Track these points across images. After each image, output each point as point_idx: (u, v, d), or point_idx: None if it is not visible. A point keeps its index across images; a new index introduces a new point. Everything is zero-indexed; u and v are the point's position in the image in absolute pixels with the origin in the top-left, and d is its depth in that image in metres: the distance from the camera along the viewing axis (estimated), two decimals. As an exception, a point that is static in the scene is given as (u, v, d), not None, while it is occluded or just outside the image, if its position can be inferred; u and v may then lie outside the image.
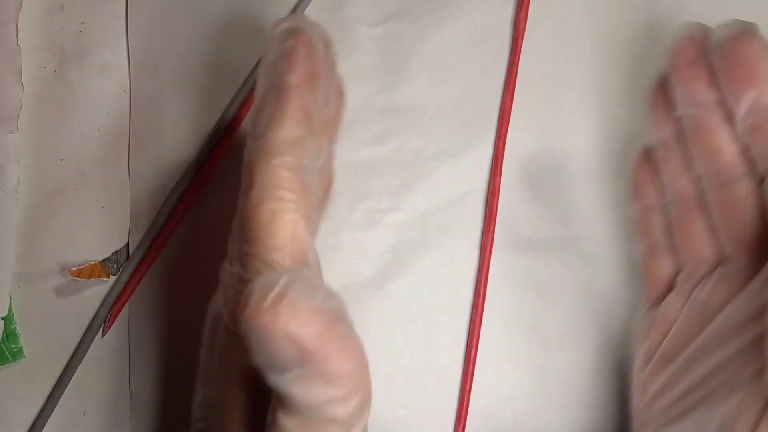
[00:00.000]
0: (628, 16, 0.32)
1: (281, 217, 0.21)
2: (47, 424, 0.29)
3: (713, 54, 0.24)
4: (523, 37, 0.32)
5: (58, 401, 0.30)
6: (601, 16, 0.32)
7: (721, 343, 0.23)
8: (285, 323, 0.17)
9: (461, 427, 0.29)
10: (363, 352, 0.19)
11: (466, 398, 0.29)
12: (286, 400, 0.18)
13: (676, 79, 0.25)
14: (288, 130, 0.22)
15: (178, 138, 0.31)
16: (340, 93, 0.27)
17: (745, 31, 0.23)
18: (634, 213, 0.28)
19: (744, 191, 0.24)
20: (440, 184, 0.31)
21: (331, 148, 0.27)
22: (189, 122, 0.32)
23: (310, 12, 0.33)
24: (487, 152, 0.31)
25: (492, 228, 0.30)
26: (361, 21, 0.32)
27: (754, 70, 0.23)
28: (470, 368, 0.29)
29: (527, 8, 0.32)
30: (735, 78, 0.23)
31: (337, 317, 0.18)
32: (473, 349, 0.30)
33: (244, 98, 0.31)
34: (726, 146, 0.24)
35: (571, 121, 0.32)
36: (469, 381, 0.29)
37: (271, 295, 0.17)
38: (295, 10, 0.32)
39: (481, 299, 0.30)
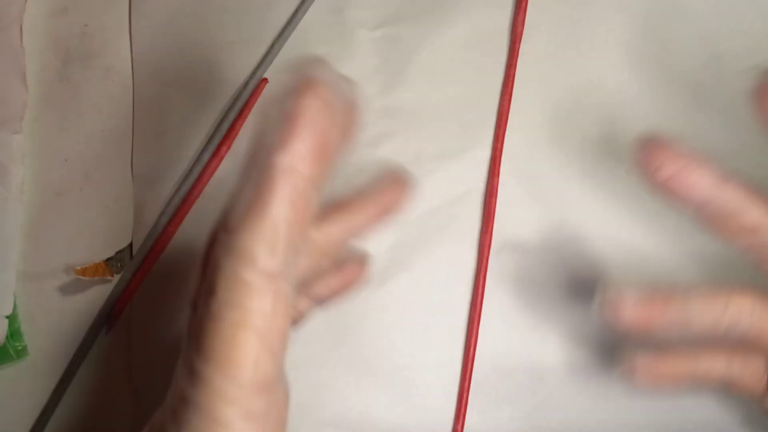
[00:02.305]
0: (625, 18, 0.33)
1: (244, 337, 0.17)
2: (50, 420, 0.30)
3: None
4: (520, 40, 0.32)
5: (61, 398, 0.30)
6: (598, 19, 0.33)
7: None
8: None
9: (460, 425, 0.29)
10: None
11: (464, 396, 0.30)
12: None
13: None
14: (267, 233, 0.17)
15: (180, 138, 0.32)
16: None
17: None
18: None
19: None
20: (439, 184, 0.31)
21: (340, 227, 0.23)
22: (191, 123, 0.32)
23: (311, 15, 0.33)
24: (485, 153, 0.32)
25: (490, 228, 0.31)
26: (362, 24, 0.33)
27: None
28: (469, 367, 0.30)
29: (525, 11, 0.32)
30: None
31: None
32: (471, 348, 0.30)
33: (246, 100, 0.32)
34: None
35: (568, 123, 0.32)
36: (467, 379, 0.30)
37: None
38: (296, 13, 0.33)
39: (479, 298, 0.30)
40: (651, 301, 0.23)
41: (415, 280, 0.31)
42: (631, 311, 0.23)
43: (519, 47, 0.32)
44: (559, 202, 0.31)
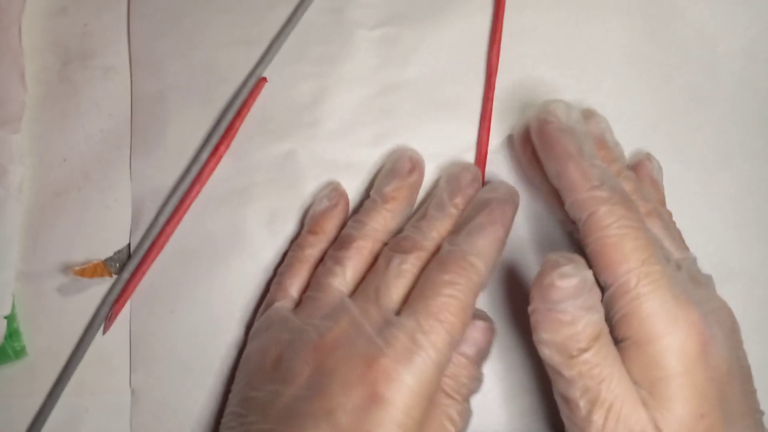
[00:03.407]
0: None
1: None
2: (48, 421, 0.30)
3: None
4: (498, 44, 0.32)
5: (59, 399, 0.30)
6: (597, 20, 0.33)
7: None
8: None
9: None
10: None
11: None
12: None
13: None
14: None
15: (179, 138, 0.32)
16: None
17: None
18: None
19: None
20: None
21: None
22: (190, 123, 0.32)
23: (310, 15, 0.33)
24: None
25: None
26: (361, 24, 0.33)
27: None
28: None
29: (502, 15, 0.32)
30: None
31: None
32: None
33: (245, 99, 0.32)
34: None
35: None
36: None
37: None
38: (295, 13, 0.33)
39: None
40: (524, 143, 0.29)
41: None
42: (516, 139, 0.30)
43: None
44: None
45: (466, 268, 0.25)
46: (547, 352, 0.24)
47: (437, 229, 0.28)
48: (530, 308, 0.24)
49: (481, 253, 0.26)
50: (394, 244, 0.28)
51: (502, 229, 0.27)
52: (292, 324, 0.27)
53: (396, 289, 0.26)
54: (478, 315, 0.28)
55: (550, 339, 0.23)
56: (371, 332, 0.25)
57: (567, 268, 0.23)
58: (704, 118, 0.32)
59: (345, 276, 0.28)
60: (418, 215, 0.29)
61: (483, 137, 0.31)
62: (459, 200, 0.28)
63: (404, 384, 0.23)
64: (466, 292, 0.25)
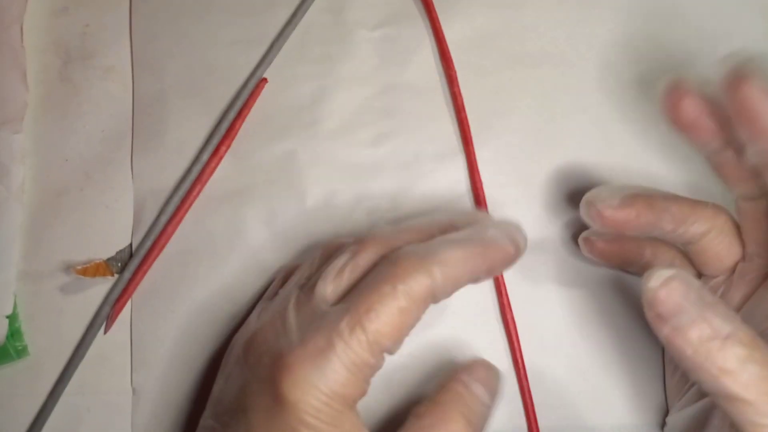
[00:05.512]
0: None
1: None
2: (49, 420, 0.30)
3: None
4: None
5: (60, 398, 0.30)
6: (597, 19, 0.33)
7: None
8: None
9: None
10: None
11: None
12: None
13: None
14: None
15: (180, 138, 0.32)
16: None
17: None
18: None
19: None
20: (438, 185, 0.31)
21: None
22: (191, 123, 0.32)
23: (311, 15, 0.33)
24: (486, 154, 0.32)
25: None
26: (361, 25, 0.33)
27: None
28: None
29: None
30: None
31: None
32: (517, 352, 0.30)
33: (245, 100, 0.32)
34: None
35: (567, 123, 0.32)
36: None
37: None
38: (295, 13, 0.33)
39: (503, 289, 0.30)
40: (632, 205, 0.25)
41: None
42: (613, 213, 0.25)
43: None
44: (557, 200, 0.31)
45: (418, 271, 0.22)
46: None
47: (411, 233, 0.25)
48: None
49: (443, 262, 0.22)
50: (358, 238, 0.25)
51: (481, 257, 0.23)
52: (252, 318, 0.27)
53: (337, 280, 0.24)
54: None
55: None
56: (293, 327, 0.23)
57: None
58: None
59: (314, 267, 0.26)
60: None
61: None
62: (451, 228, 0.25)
63: (311, 385, 0.21)
64: (408, 296, 0.22)
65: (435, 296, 0.22)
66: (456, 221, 0.25)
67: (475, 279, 0.23)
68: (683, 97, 0.24)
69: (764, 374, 0.19)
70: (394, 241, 0.24)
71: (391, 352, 0.23)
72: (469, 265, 0.23)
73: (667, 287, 0.20)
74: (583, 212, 0.26)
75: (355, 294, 0.23)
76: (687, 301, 0.20)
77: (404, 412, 0.25)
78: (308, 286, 0.24)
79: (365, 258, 0.24)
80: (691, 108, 0.24)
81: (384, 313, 0.22)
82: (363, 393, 0.23)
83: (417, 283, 0.22)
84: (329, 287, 0.23)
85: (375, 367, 0.22)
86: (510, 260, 0.24)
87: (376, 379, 0.23)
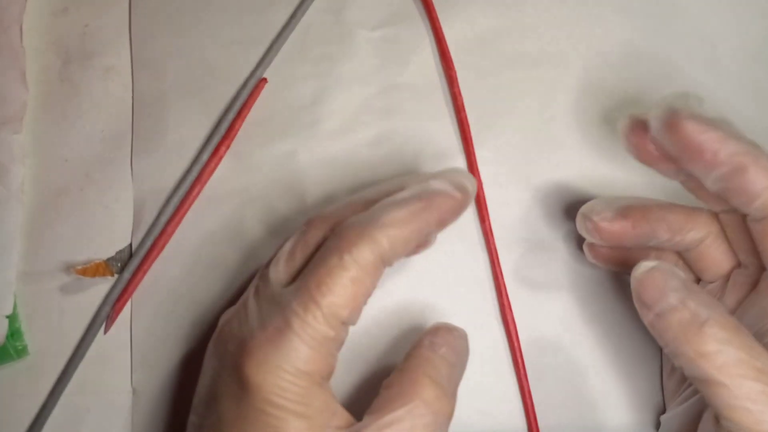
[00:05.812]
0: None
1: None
2: (49, 420, 0.30)
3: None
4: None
5: (60, 398, 0.30)
6: (597, 19, 0.33)
7: None
8: None
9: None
10: None
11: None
12: None
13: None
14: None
15: (179, 138, 0.32)
16: None
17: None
18: None
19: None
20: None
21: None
22: (190, 123, 0.32)
23: (310, 15, 0.33)
24: (486, 153, 0.32)
25: (487, 220, 0.31)
26: (361, 25, 0.33)
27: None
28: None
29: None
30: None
31: None
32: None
33: (245, 100, 0.32)
34: None
35: (567, 123, 0.32)
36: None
37: None
38: (295, 13, 0.33)
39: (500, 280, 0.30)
40: (627, 216, 0.26)
41: (414, 279, 0.31)
42: (609, 226, 0.26)
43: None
44: (557, 200, 0.31)
45: (362, 239, 0.22)
46: None
47: (358, 206, 0.25)
48: None
49: (386, 224, 0.22)
50: (307, 218, 0.25)
51: (426, 211, 0.23)
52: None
53: (290, 262, 0.24)
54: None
55: None
56: (253, 313, 0.23)
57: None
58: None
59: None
60: None
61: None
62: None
63: (273, 365, 0.22)
64: (357, 264, 0.22)
65: (385, 260, 0.23)
66: (405, 184, 0.25)
67: (427, 233, 0.23)
68: (643, 137, 0.24)
69: (740, 357, 0.20)
70: (342, 216, 0.24)
71: (350, 323, 0.23)
72: (415, 222, 0.23)
73: (650, 276, 0.22)
74: (580, 226, 0.27)
75: (306, 272, 0.23)
76: (669, 288, 0.21)
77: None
78: (265, 273, 0.24)
79: (314, 236, 0.24)
80: (651, 147, 0.24)
81: (335, 285, 0.22)
82: (330, 368, 0.23)
83: (363, 251, 0.22)
84: (282, 270, 0.24)
85: (337, 340, 0.23)
86: (459, 207, 0.24)
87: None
